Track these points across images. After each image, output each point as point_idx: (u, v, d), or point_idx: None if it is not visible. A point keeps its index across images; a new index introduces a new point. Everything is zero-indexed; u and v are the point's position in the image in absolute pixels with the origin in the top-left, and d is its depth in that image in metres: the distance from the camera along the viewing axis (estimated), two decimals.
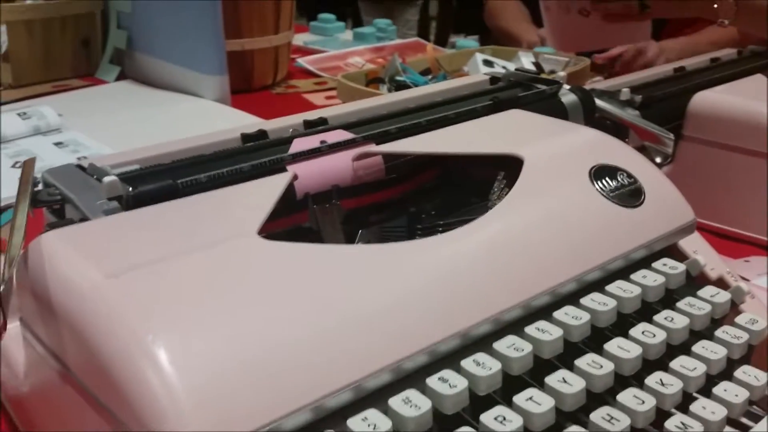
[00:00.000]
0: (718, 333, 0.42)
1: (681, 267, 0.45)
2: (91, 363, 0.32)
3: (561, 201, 0.44)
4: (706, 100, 0.72)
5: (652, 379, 0.38)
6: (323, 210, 0.48)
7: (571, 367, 0.37)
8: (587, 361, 0.37)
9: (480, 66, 1.05)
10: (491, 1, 1.59)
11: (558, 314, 0.39)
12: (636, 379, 0.38)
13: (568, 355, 0.38)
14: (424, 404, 0.33)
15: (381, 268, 0.37)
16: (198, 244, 0.37)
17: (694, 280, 0.46)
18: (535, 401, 0.35)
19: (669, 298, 0.44)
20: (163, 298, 0.33)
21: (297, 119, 0.54)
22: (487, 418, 0.33)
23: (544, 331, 0.38)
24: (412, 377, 0.34)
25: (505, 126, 0.54)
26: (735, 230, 0.72)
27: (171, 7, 1.06)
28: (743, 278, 0.62)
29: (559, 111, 0.60)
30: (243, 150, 0.49)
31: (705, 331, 0.43)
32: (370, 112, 0.57)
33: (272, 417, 0.30)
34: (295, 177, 0.47)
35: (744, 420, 0.39)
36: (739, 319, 0.43)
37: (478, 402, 0.35)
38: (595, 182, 0.46)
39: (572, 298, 0.41)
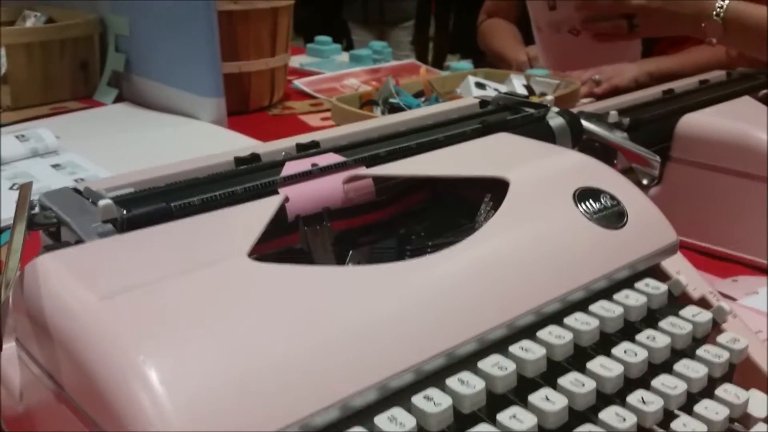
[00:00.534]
0: (700, 352, 0.43)
1: (663, 287, 0.46)
2: (84, 382, 0.33)
3: (545, 222, 0.45)
4: (693, 122, 0.74)
5: (634, 397, 0.39)
6: (314, 231, 0.49)
7: (554, 386, 0.38)
8: (570, 380, 0.38)
9: (472, 88, 1.07)
10: (484, 23, 1.61)
11: (542, 333, 0.40)
12: (618, 397, 0.39)
13: (551, 373, 0.39)
14: (409, 422, 0.33)
15: (369, 289, 0.38)
16: (191, 265, 0.38)
17: (677, 300, 0.47)
18: (518, 419, 0.35)
19: (651, 318, 0.45)
20: (156, 320, 0.34)
21: (290, 142, 0.56)
22: None
23: (528, 350, 0.39)
24: (398, 395, 0.35)
25: (492, 149, 0.56)
26: (722, 250, 0.73)
27: (169, 30, 1.07)
28: (731, 298, 0.63)
29: (546, 134, 0.62)
30: (236, 173, 0.51)
31: (687, 350, 0.44)
32: (361, 136, 0.58)
33: None
34: (287, 199, 0.48)
35: None
36: (720, 339, 0.44)
37: (462, 420, 0.36)
38: (578, 204, 0.47)
39: (556, 318, 0.42)
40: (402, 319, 0.37)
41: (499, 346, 0.39)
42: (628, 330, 0.43)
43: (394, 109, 0.97)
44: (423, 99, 1.05)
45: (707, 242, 0.73)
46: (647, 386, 0.40)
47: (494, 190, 0.49)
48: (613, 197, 0.48)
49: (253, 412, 0.31)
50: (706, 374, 0.42)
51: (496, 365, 0.38)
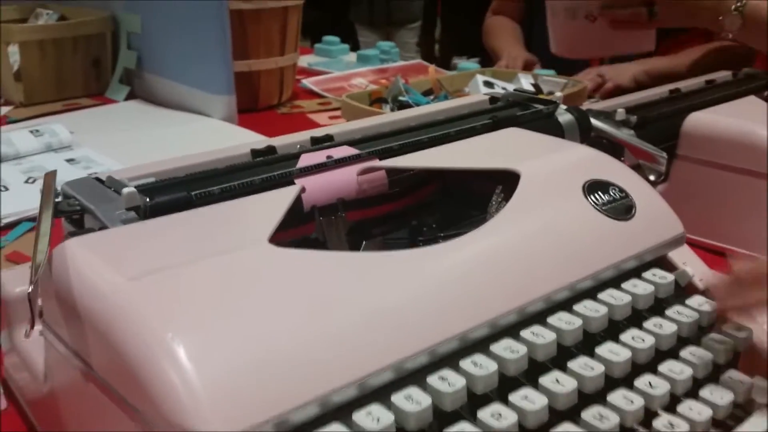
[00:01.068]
0: (705, 340, 0.44)
1: (670, 277, 0.47)
2: (113, 361, 0.34)
3: (555, 213, 0.47)
4: (699, 120, 0.75)
5: (642, 381, 0.40)
6: (329, 222, 0.51)
7: (564, 369, 0.39)
8: (579, 364, 0.40)
9: (480, 87, 1.08)
10: (488, 19, 1.62)
11: (552, 319, 0.41)
12: (626, 381, 0.40)
13: (561, 358, 0.40)
14: (425, 401, 0.35)
15: (385, 274, 0.39)
16: (212, 250, 0.39)
17: (683, 290, 0.48)
18: (529, 400, 0.37)
19: (658, 306, 0.46)
20: (182, 300, 0.35)
21: (304, 136, 0.57)
22: (484, 414, 0.36)
23: (539, 335, 0.40)
24: (414, 376, 0.37)
25: (503, 143, 0.57)
26: (728, 246, 0.74)
27: (181, 28, 1.09)
28: None
29: (555, 130, 0.63)
30: (253, 164, 0.52)
31: (692, 337, 0.45)
32: (374, 130, 0.59)
33: (282, 409, 0.32)
34: (303, 190, 0.49)
35: (728, 422, 0.41)
36: (725, 327, 0.46)
37: (475, 400, 0.37)
38: (588, 196, 0.48)
39: (566, 305, 0.43)
40: (417, 304, 0.38)
41: (511, 331, 0.40)
42: (636, 318, 0.44)
43: (404, 106, 0.98)
44: (432, 97, 1.07)
45: (712, 239, 0.74)
46: (654, 371, 0.41)
47: (505, 182, 0.50)
48: (621, 190, 0.49)
49: (275, 388, 0.32)
50: (711, 360, 0.43)
51: (508, 348, 0.39)
